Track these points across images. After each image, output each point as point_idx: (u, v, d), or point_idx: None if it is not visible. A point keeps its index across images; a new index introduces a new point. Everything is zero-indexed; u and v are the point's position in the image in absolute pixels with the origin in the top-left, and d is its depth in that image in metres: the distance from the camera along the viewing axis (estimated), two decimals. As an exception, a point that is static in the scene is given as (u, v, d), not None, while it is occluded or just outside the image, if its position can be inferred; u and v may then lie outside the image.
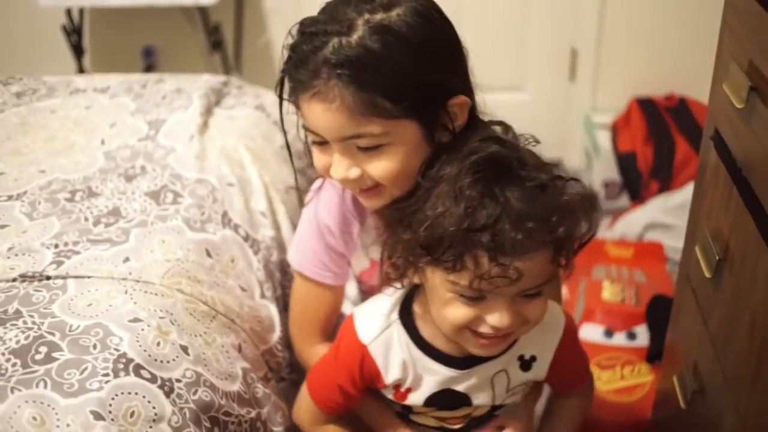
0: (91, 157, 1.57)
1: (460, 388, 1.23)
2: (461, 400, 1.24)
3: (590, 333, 2.30)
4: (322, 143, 1.14)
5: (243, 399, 1.22)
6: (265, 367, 1.34)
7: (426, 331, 1.20)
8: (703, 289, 1.50)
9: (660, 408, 1.86)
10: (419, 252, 1.06)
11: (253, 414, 1.23)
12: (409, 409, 1.27)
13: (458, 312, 1.08)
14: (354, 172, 1.13)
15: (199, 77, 1.86)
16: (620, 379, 2.19)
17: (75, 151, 1.60)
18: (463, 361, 1.20)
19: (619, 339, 2.28)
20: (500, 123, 1.28)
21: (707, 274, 1.40)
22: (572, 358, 1.29)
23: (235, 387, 1.21)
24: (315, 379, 1.28)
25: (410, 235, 1.07)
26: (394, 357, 1.21)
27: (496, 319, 1.07)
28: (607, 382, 2.19)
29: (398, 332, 1.21)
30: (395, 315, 1.22)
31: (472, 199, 1.02)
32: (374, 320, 1.22)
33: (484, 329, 1.09)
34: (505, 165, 1.05)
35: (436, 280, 1.08)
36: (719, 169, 1.41)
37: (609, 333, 2.29)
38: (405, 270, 1.12)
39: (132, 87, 1.83)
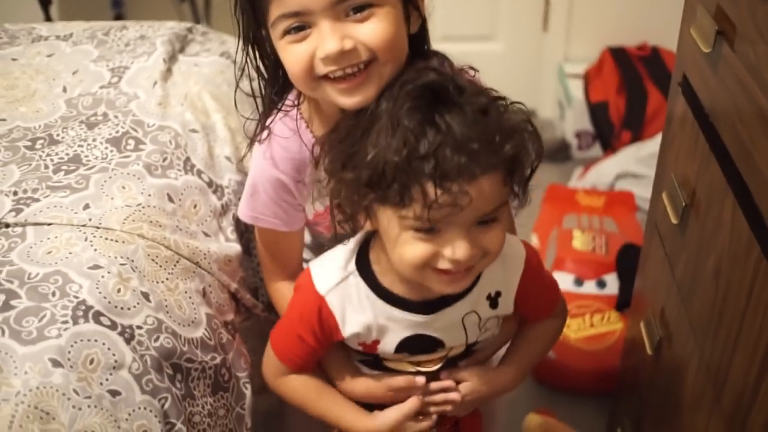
0: (53, 105, 1.55)
1: (430, 332, 1.20)
2: (434, 343, 1.22)
3: (560, 281, 2.27)
4: (300, 29, 1.08)
5: (207, 345, 1.21)
6: (233, 310, 1.33)
7: (386, 279, 1.17)
8: (670, 236, 1.50)
9: (628, 355, 1.88)
10: (364, 191, 1.04)
11: (218, 360, 1.22)
12: (381, 358, 1.25)
13: (415, 250, 1.06)
14: (348, 43, 1.06)
15: (163, 24, 1.83)
16: (590, 327, 2.21)
17: (36, 99, 1.57)
18: (427, 306, 1.18)
19: (589, 287, 2.30)
20: (437, 53, 1.26)
21: (674, 221, 1.41)
22: (538, 288, 1.27)
23: (199, 333, 1.20)
24: (277, 333, 1.25)
25: (353, 174, 1.05)
26: (353, 310, 1.19)
27: (453, 251, 1.04)
28: (576, 330, 2.21)
29: (356, 283, 1.18)
30: (352, 266, 1.19)
31: (411, 128, 1.00)
32: (331, 272, 1.18)
33: (443, 264, 1.06)
34: (442, 92, 1.02)
35: (387, 220, 1.07)
36: (687, 116, 1.41)
37: (579, 282, 2.31)
38: (353, 213, 1.10)
39: (95, 34, 1.80)
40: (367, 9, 1.07)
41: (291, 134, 1.24)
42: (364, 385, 1.26)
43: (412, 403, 1.24)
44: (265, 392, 1.29)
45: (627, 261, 2.26)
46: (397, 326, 1.20)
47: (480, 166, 1.00)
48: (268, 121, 1.25)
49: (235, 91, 1.23)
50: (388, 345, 1.21)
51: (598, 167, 2.93)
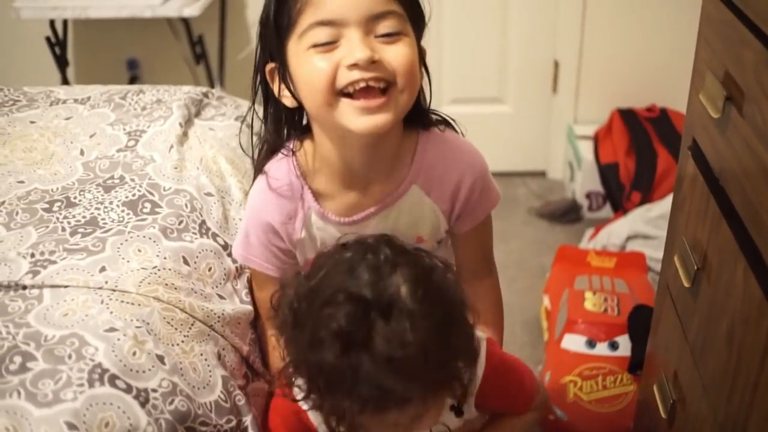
0: (70, 167, 1.57)
1: None
2: None
3: (572, 343, 2.31)
4: (329, 44, 1.11)
5: (222, 408, 1.21)
6: (244, 373, 1.33)
7: None
8: (682, 299, 1.50)
9: (641, 417, 1.86)
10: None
11: (233, 423, 1.22)
12: None
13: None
14: (377, 55, 1.10)
15: (179, 88, 1.86)
16: (602, 389, 2.19)
17: (54, 162, 1.60)
18: None
19: (602, 349, 2.29)
20: (445, 121, 1.31)
21: (686, 284, 1.41)
22: (502, 389, 1.26)
23: (214, 396, 1.20)
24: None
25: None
26: None
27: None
28: (589, 392, 2.19)
29: None
30: None
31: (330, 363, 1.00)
32: None
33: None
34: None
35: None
36: (697, 179, 1.41)
37: (591, 343, 2.30)
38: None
39: (112, 98, 1.83)
40: (395, 35, 1.12)
41: (285, 179, 1.27)
42: None
43: None
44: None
45: (639, 322, 2.25)
46: None
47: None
48: (264, 161, 1.30)
49: (250, 125, 1.27)
50: None
51: (608, 228, 2.93)
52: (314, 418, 1.22)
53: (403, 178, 1.29)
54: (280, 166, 1.28)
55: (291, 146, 1.28)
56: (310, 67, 1.12)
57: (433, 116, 1.32)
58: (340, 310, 0.98)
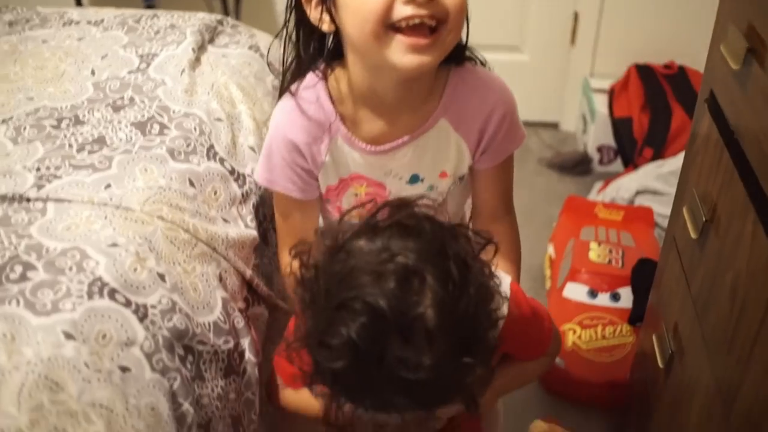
0: (80, 86, 1.56)
1: None
2: None
3: (574, 292, 2.31)
4: None
5: (221, 329, 1.21)
6: (245, 296, 1.33)
7: None
8: (688, 251, 1.50)
9: (638, 368, 1.87)
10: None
11: (231, 344, 1.23)
12: None
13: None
14: None
15: (194, 14, 1.84)
16: (602, 339, 2.20)
17: (64, 81, 1.59)
18: None
19: (603, 300, 2.29)
20: (473, 58, 1.31)
21: (693, 235, 1.40)
22: (522, 338, 1.22)
23: (213, 317, 1.20)
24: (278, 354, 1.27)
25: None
26: None
27: None
28: (588, 341, 2.20)
29: None
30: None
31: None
32: None
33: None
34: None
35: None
36: (711, 132, 1.40)
37: (593, 293, 2.30)
38: None
39: (126, 21, 1.81)
40: None
41: (314, 101, 1.26)
42: None
43: None
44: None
45: (642, 276, 2.25)
46: None
47: None
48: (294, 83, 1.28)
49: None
50: None
51: (618, 182, 2.91)
52: None
53: (432, 111, 1.28)
54: (308, 88, 1.27)
55: (322, 69, 1.27)
56: None
57: (467, 53, 1.32)
58: (357, 319, 0.90)
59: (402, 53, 1.11)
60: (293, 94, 1.28)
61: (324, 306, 0.94)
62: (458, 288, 0.93)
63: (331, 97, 1.27)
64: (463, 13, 1.14)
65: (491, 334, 1.00)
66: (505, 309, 1.12)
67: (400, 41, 1.10)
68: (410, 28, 1.10)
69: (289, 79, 1.29)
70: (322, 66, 1.28)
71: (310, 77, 1.28)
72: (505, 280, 1.14)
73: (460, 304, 0.93)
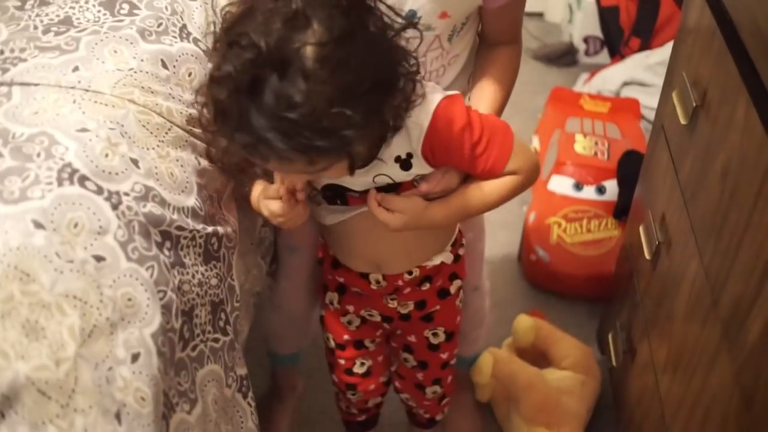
0: (45, -35, 1.48)
1: (345, 184, 1.24)
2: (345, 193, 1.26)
3: (560, 185, 2.29)
4: None
5: (198, 214, 1.17)
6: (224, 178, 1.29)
7: None
8: (677, 138, 1.47)
9: (624, 261, 1.86)
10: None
11: (209, 230, 1.20)
12: None
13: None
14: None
15: None
16: (587, 232, 2.19)
17: (28, -41, 1.51)
18: None
19: (589, 192, 2.27)
20: None
21: (683, 121, 1.37)
22: (451, 147, 1.20)
23: (190, 202, 1.16)
24: None
25: None
26: None
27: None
28: (573, 234, 2.19)
29: None
30: None
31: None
32: None
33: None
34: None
35: None
36: (703, 12, 1.36)
37: (578, 186, 2.28)
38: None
39: None
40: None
41: None
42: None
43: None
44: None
45: (628, 168, 2.23)
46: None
47: (265, 144, 1.00)
48: None
49: None
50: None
51: (604, 73, 2.87)
52: None
53: None
54: None
55: None
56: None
57: None
58: (239, 55, 0.98)
59: None
60: None
61: (220, 45, 1.03)
62: (344, 37, 0.99)
63: None
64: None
65: (387, 102, 1.07)
66: (425, 120, 1.16)
67: None
68: None
69: None
70: None
71: None
72: (435, 96, 1.18)
73: (342, 52, 0.98)
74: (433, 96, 1.18)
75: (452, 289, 1.46)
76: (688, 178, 1.39)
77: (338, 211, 1.31)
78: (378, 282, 1.39)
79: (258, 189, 1.28)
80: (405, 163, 1.19)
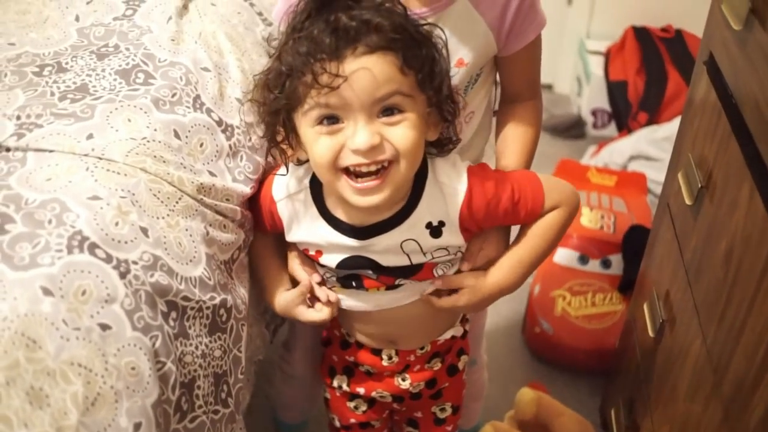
0: (64, 32, 1.51)
1: (367, 255, 1.25)
2: (376, 266, 1.26)
3: (565, 258, 2.29)
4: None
5: (206, 284, 1.18)
6: (232, 248, 1.30)
7: (330, 201, 1.24)
8: (681, 217, 1.48)
9: (627, 336, 1.86)
10: (266, 95, 1.16)
11: (217, 300, 1.20)
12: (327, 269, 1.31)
13: (322, 147, 1.12)
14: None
15: (183, -40, 1.79)
16: (591, 306, 2.19)
17: (47, 26, 1.53)
18: (362, 231, 1.22)
19: (594, 266, 2.27)
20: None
21: (688, 201, 1.38)
22: (495, 202, 1.23)
23: (198, 272, 1.17)
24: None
25: (263, 88, 1.18)
26: (297, 222, 1.28)
27: (354, 139, 1.09)
28: (577, 308, 2.19)
29: (305, 199, 1.26)
30: (307, 182, 1.26)
31: (301, 27, 1.12)
32: (289, 181, 1.27)
33: (349, 159, 1.11)
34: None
35: (302, 129, 1.15)
36: (709, 95, 1.38)
37: (584, 259, 2.28)
38: (271, 124, 1.19)
39: (112, -34, 1.75)
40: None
41: None
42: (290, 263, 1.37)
43: (302, 286, 1.33)
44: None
45: (634, 242, 2.24)
46: (334, 247, 1.26)
47: (351, 42, 1.07)
48: None
49: None
50: (329, 261, 1.28)
51: (611, 146, 2.89)
52: (282, 207, 1.29)
53: None
54: None
55: None
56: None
57: None
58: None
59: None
60: None
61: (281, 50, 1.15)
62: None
63: None
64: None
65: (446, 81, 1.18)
66: (460, 182, 1.22)
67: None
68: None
69: None
70: None
71: None
72: (463, 163, 1.26)
73: (411, 24, 1.14)
74: (462, 164, 1.24)
75: (460, 365, 1.47)
76: (692, 258, 1.39)
77: (353, 296, 1.32)
78: (390, 358, 1.39)
79: (285, 298, 1.34)
80: (435, 231, 1.22)
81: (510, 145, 1.38)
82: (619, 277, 2.24)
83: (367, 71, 1.08)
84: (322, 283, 1.33)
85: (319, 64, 1.08)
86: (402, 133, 1.11)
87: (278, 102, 1.15)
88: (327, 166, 1.13)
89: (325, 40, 1.08)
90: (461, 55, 1.29)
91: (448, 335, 1.41)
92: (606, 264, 2.27)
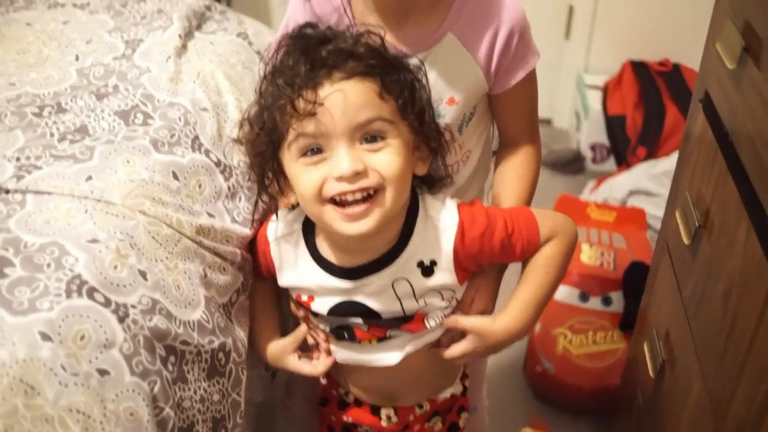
0: (64, 72, 1.52)
1: (360, 299, 1.23)
2: (367, 311, 1.24)
3: (565, 295, 2.29)
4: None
5: (204, 328, 1.18)
6: (231, 291, 1.30)
7: (321, 245, 1.24)
8: (680, 256, 1.47)
9: (628, 375, 1.85)
10: (250, 134, 1.17)
11: (215, 344, 1.20)
12: (317, 315, 1.30)
13: (307, 179, 1.11)
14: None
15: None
16: (592, 344, 2.18)
17: (47, 66, 1.55)
18: (353, 272, 1.21)
19: (594, 303, 2.27)
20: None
21: (686, 241, 1.38)
22: (489, 240, 1.22)
23: (196, 315, 1.17)
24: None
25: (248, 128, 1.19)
26: (289, 265, 1.28)
27: (338, 165, 1.09)
28: (578, 346, 2.18)
29: (296, 241, 1.26)
30: (299, 225, 1.26)
31: (279, 64, 1.14)
32: (283, 223, 1.27)
33: (335, 187, 1.10)
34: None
35: (287, 165, 1.15)
36: (705, 133, 1.38)
37: (584, 296, 2.28)
38: (258, 166, 1.19)
39: (112, 5, 1.77)
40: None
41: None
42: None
43: (297, 332, 1.33)
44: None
45: (634, 279, 2.23)
46: (325, 291, 1.24)
47: (328, 69, 1.09)
48: None
49: None
50: (320, 307, 1.26)
51: (610, 182, 2.90)
52: (274, 249, 1.29)
53: (440, 23, 1.26)
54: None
55: None
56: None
57: None
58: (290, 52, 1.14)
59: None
60: None
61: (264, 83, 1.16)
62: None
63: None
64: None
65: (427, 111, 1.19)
66: (452, 218, 1.22)
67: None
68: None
69: None
70: None
71: None
72: (453, 200, 1.25)
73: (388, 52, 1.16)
74: (452, 201, 1.24)
75: (461, 423, 1.45)
76: (691, 297, 1.39)
77: (346, 348, 1.31)
78: (389, 417, 1.38)
79: (278, 345, 1.35)
80: (427, 270, 1.21)
81: (506, 193, 1.37)
82: (620, 314, 2.23)
83: (344, 95, 1.08)
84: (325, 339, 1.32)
85: (297, 93, 1.09)
86: (386, 159, 1.11)
87: (261, 139, 1.16)
88: (313, 198, 1.12)
89: (301, 69, 1.10)
90: (452, 93, 1.29)
91: (447, 393, 1.39)
92: (607, 301, 2.27)
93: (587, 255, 2.39)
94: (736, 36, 1.21)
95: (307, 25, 1.19)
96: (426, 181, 1.24)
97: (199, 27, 1.73)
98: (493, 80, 1.30)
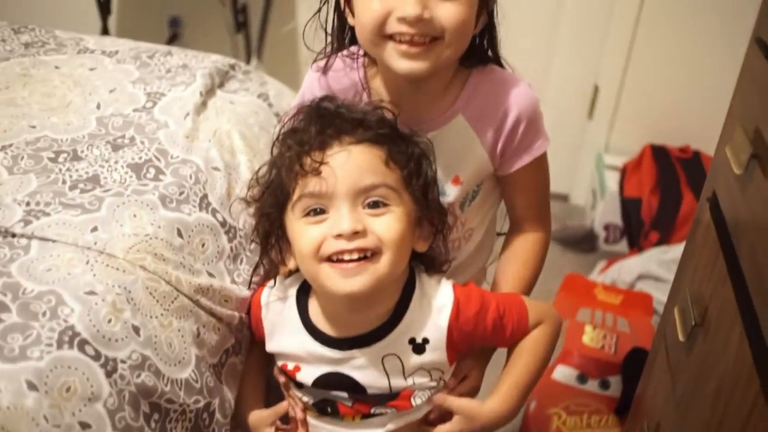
0: (84, 120, 1.55)
1: (347, 371, 1.23)
2: (353, 385, 1.24)
3: (564, 375, 2.28)
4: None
5: (192, 387, 1.19)
6: (222, 351, 1.31)
7: (314, 313, 1.24)
8: (675, 351, 1.47)
9: (618, 463, 1.84)
10: (257, 193, 1.21)
11: (201, 404, 1.20)
12: (301, 387, 1.29)
13: (307, 235, 1.14)
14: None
15: (208, 56, 1.83)
16: (586, 427, 2.17)
17: (69, 111, 1.58)
18: (343, 342, 1.22)
19: (592, 386, 2.26)
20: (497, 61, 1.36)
21: (681, 338, 1.38)
22: (482, 322, 1.24)
23: (185, 374, 1.18)
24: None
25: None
26: (279, 330, 1.28)
27: (339, 223, 1.11)
28: (572, 427, 2.16)
29: (289, 307, 1.26)
30: (293, 291, 1.27)
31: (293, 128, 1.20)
32: (278, 287, 1.29)
33: (333, 245, 1.12)
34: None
35: (290, 226, 1.18)
36: (710, 232, 1.39)
37: (582, 378, 2.27)
38: (262, 227, 1.22)
39: (140, 55, 1.81)
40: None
41: (346, 70, 1.32)
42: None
43: (278, 407, 1.32)
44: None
45: (634, 365, 2.22)
46: (313, 359, 1.24)
47: (337, 133, 1.13)
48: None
49: None
50: (306, 377, 1.25)
51: (621, 264, 2.89)
52: (266, 313, 1.30)
53: (450, 105, 1.29)
54: (338, 63, 1.33)
55: (357, 51, 1.33)
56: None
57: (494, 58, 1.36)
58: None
59: (396, 58, 1.17)
60: (323, 72, 1.34)
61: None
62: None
63: (365, 70, 1.32)
64: (462, 30, 1.17)
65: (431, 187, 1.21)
66: (447, 298, 1.23)
67: (393, 47, 1.17)
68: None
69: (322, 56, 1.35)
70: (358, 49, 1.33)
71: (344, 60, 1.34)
72: (448, 281, 1.27)
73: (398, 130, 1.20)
74: (447, 281, 1.25)
75: None
76: (683, 393, 1.38)
77: (328, 424, 1.30)
78: None
79: (260, 415, 1.34)
80: (418, 347, 1.22)
81: (507, 279, 1.39)
82: (616, 399, 2.21)
83: (351, 157, 1.12)
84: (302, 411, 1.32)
85: (305, 152, 1.13)
86: (386, 223, 1.13)
87: (267, 200, 1.19)
88: (311, 255, 1.14)
89: (312, 130, 1.14)
90: (457, 172, 1.31)
91: None
92: (605, 385, 2.25)
93: (589, 336, 2.38)
94: (746, 142, 1.22)
95: (326, 98, 1.22)
96: (425, 262, 1.25)
97: (221, 85, 1.76)
98: (498, 162, 1.32)
